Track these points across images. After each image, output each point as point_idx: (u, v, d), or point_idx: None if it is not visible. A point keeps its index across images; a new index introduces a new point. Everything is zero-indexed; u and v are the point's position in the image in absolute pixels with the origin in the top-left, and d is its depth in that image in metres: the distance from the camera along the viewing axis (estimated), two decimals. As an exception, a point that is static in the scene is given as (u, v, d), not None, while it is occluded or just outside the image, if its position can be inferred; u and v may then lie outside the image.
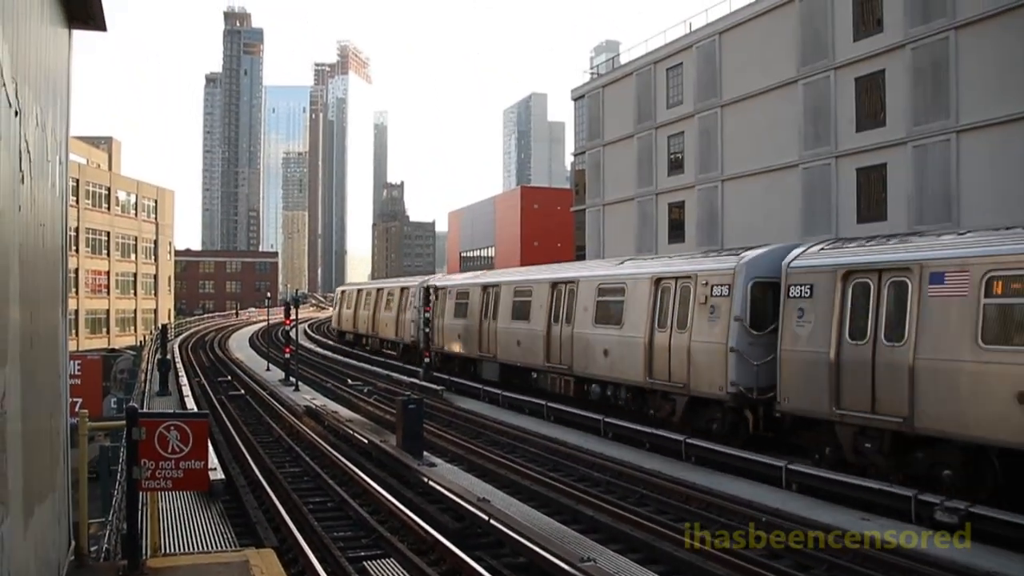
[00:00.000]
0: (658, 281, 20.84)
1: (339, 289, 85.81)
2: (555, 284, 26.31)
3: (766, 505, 13.89)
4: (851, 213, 34.71)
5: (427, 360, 34.66)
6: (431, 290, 36.50)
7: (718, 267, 19.19)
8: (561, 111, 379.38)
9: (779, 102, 38.50)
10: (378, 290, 50.15)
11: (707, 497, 14.80)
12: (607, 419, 21.40)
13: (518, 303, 28.50)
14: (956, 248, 14.20)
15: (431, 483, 15.98)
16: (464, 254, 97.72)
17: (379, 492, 15.48)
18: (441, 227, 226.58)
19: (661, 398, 20.53)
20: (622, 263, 24.56)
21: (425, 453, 18.60)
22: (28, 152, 6.12)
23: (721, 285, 18.58)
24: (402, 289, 44.17)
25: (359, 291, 56.12)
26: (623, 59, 55.59)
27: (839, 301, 15.40)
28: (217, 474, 15.31)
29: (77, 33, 9.54)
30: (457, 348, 33.80)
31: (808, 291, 16.14)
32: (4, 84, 4.92)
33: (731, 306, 18.17)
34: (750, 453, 16.97)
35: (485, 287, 31.58)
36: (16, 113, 5.48)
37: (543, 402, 25.02)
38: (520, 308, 28.24)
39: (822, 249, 16.77)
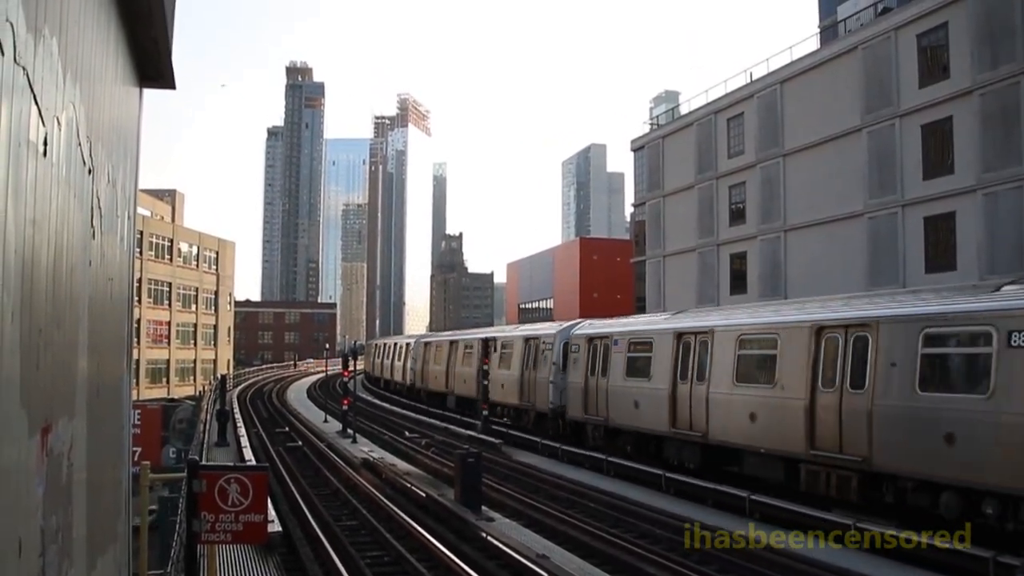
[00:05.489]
0: None
1: (380, 341, 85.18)
2: (820, 329, 17.56)
3: (832, 564, 13.41)
4: (919, 263, 33.99)
5: (485, 412, 34.49)
6: (525, 341, 36.22)
7: None
8: (620, 162, 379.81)
9: (843, 151, 38.08)
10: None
11: (771, 556, 14.31)
12: (668, 474, 20.95)
13: (750, 358, 20.03)
14: None
15: (489, 538, 15.77)
16: (522, 305, 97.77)
17: (437, 547, 15.30)
18: (499, 278, 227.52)
19: None
20: (982, 294, 15.16)
21: (483, 507, 18.42)
22: (99, 208, 6.22)
23: None
24: (526, 340, 34.61)
25: (452, 343, 46.00)
26: (683, 109, 55.69)
27: None
28: (274, 526, 15.31)
29: (146, 90, 9.77)
30: (628, 420, 24.98)
31: None
32: (80, 144, 5.01)
33: None
34: (816, 511, 16.42)
35: (681, 335, 22.80)
36: (90, 171, 5.58)
37: (603, 456, 24.59)
38: (754, 365, 19.92)
39: None
